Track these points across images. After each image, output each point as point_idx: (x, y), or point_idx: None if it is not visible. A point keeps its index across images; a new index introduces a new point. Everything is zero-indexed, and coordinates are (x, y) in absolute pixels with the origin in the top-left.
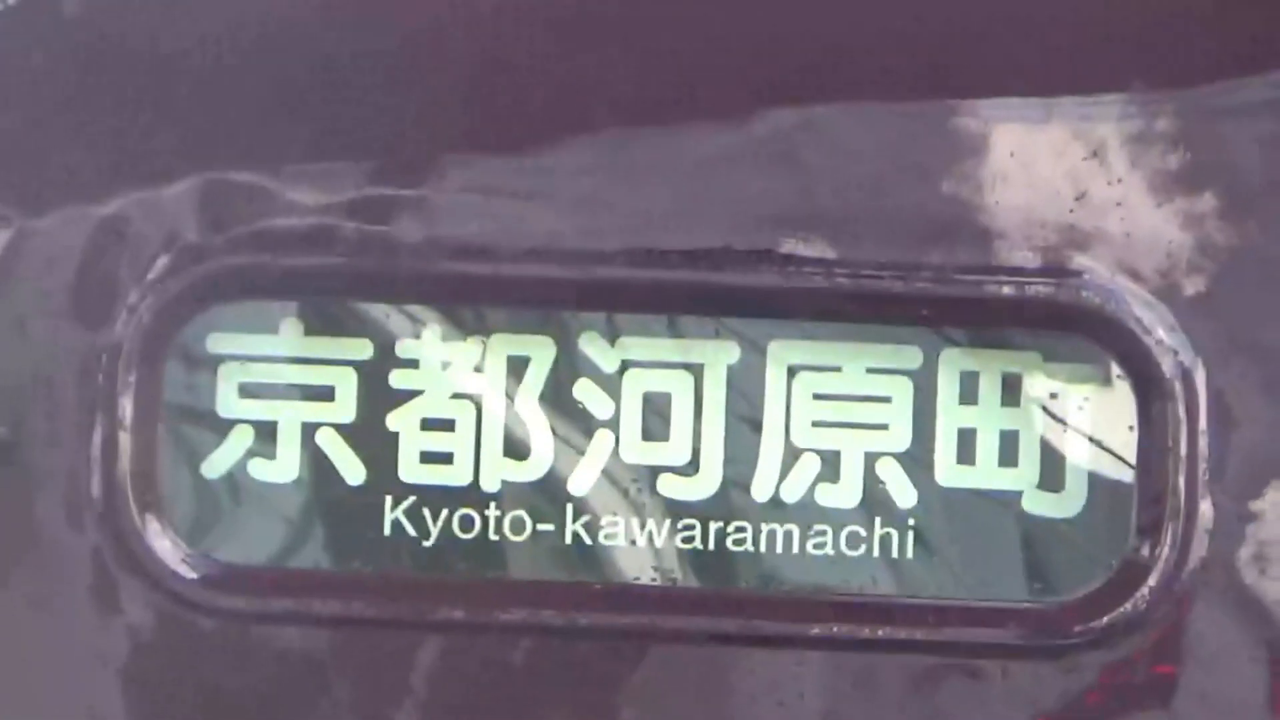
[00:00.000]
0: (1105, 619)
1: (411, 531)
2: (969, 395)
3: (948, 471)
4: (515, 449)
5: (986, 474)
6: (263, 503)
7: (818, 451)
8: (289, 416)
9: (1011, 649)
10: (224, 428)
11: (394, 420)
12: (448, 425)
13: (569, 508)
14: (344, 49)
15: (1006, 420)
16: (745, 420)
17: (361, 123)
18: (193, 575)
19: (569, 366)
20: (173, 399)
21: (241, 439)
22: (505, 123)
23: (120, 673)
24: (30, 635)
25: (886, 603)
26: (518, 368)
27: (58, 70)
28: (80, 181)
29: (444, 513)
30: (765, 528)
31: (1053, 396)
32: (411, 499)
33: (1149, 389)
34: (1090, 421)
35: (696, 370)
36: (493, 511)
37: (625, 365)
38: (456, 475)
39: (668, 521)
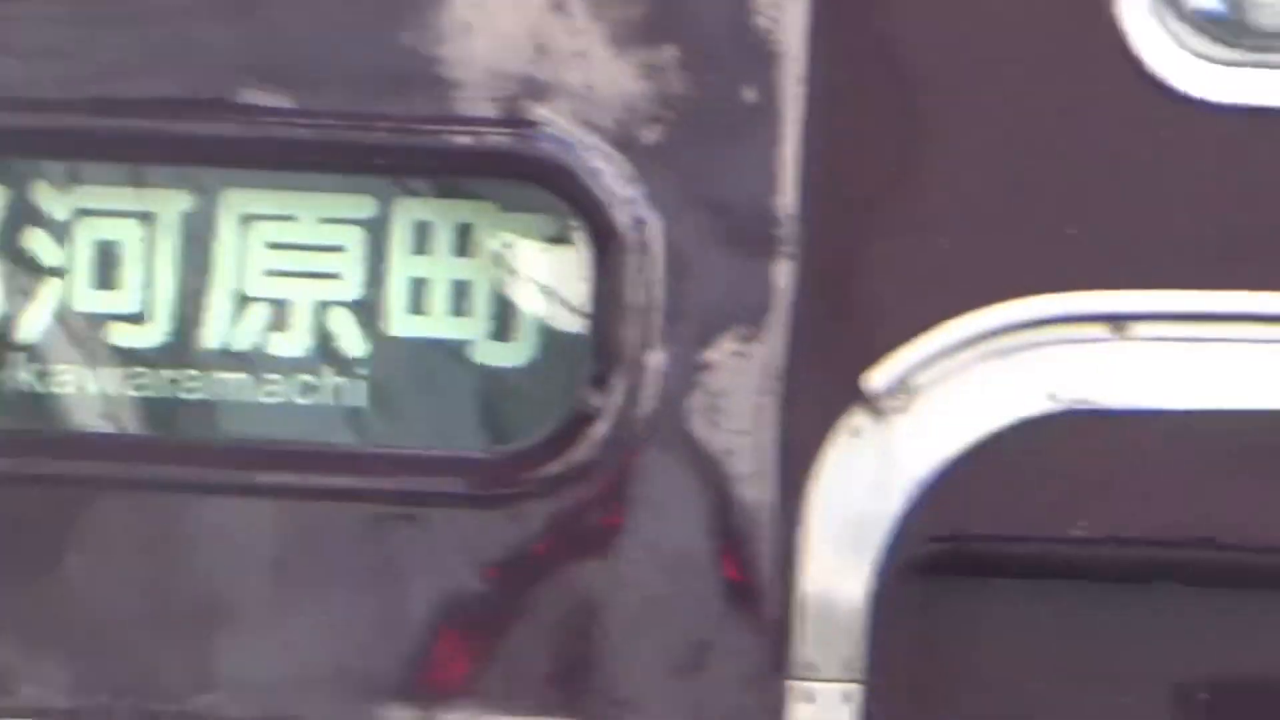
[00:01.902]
0: (552, 468)
1: None
2: (423, 245)
3: (399, 321)
4: None
5: (438, 323)
6: None
7: (270, 300)
8: None
9: (459, 498)
10: None
11: None
12: None
13: (20, 355)
14: None
15: (460, 270)
16: (198, 269)
17: None
18: None
19: (23, 214)
20: None
21: None
22: None
23: None
24: None
25: (335, 451)
26: None
27: None
28: None
29: None
30: (216, 376)
31: (507, 247)
32: None
33: (604, 240)
34: (545, 272)
35: (149, 219)
36: None
37: (79, 213)
38: None
39: (119, 370)
